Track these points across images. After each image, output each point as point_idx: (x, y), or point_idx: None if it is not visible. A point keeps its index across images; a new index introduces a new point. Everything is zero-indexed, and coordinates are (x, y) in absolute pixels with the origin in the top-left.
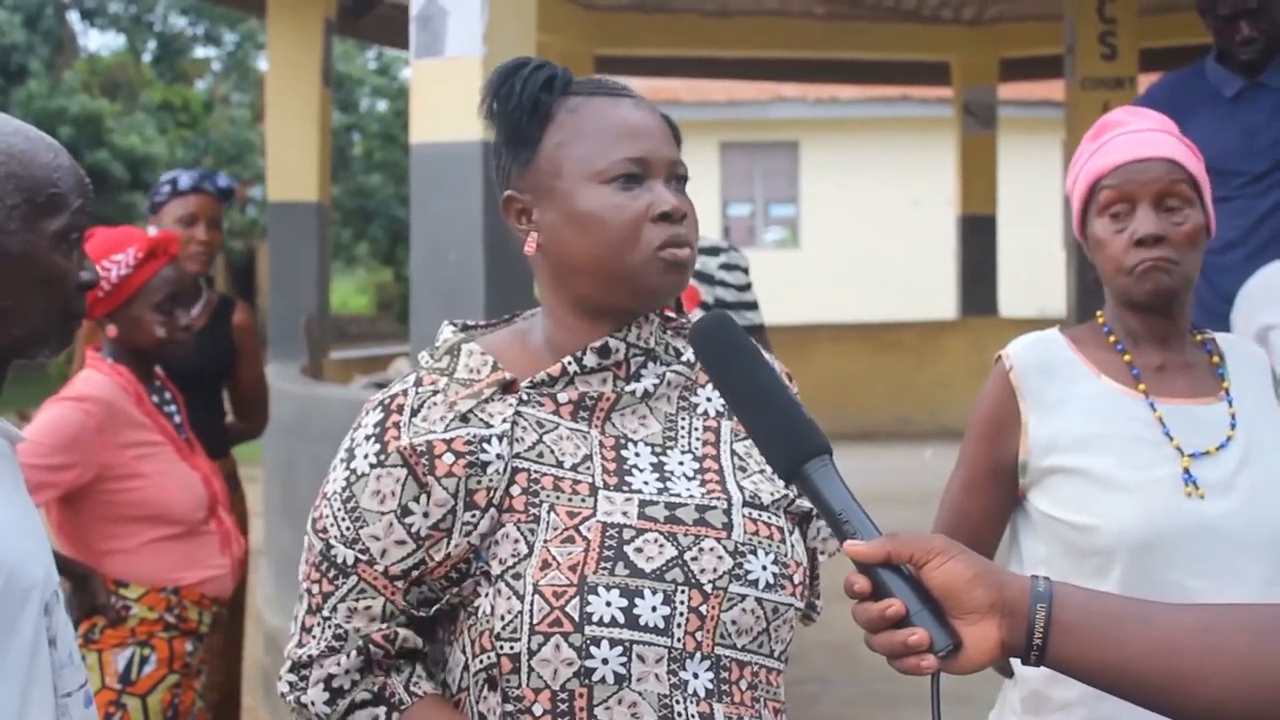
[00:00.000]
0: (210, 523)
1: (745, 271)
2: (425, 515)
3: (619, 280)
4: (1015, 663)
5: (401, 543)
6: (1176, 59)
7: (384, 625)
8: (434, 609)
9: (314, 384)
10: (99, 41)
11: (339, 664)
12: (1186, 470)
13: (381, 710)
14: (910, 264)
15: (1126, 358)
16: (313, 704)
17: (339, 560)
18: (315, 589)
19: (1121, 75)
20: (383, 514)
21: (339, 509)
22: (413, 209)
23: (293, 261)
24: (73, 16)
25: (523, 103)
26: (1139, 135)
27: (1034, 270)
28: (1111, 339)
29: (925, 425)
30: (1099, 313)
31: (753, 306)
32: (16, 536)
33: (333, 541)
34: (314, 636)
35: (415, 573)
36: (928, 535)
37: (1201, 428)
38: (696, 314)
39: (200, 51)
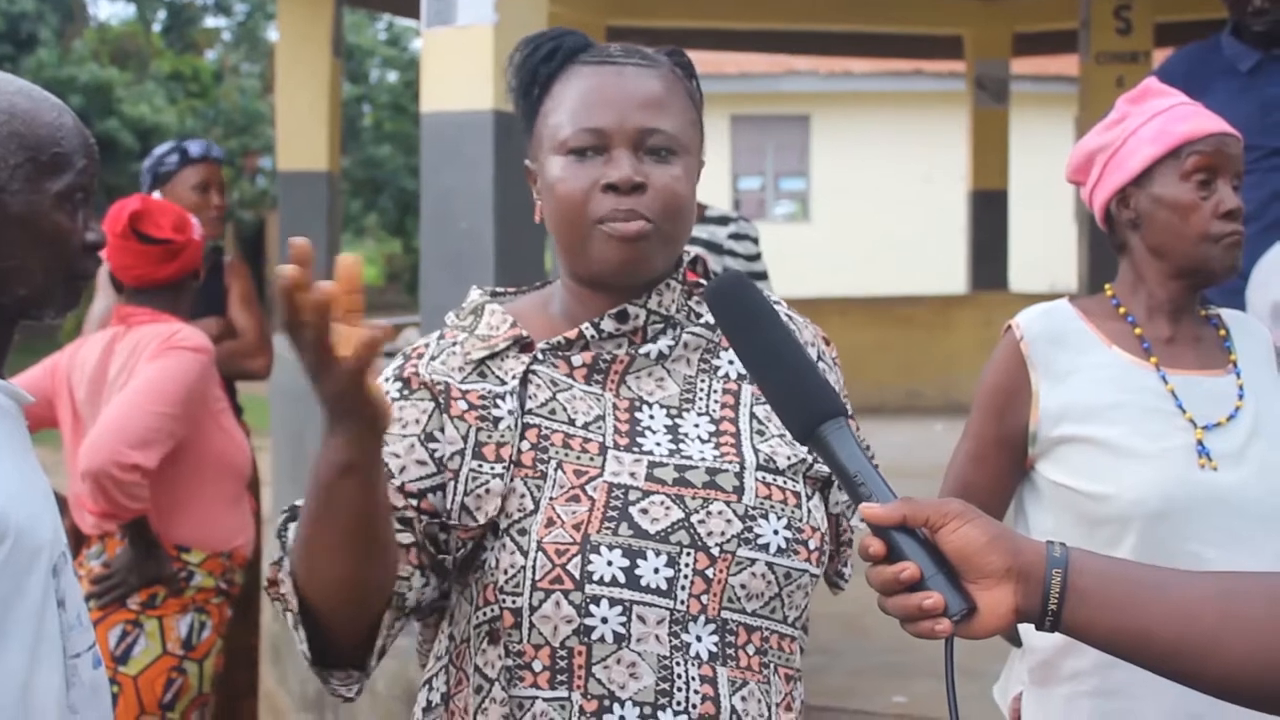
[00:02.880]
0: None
1: (755, 241)
2: (448, 444)
3: (573, 251)
4: (1024, 632)
5: (422, 463)
6: (1192, 33)
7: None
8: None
9: None
10: (109, 10)
11: None
12: (1200, 442)
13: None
14: (921, 238)
15: (1138, 330)
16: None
17: None
18: None
19: (1136, 50)
20: (404, 436)
21: None
22: (423, 179)
23: (303, 231)
24: None
25: (523, 75)
26: (1203, 109)
27: (1045, 245)
28: (1121, 311)
29: (935, 399)
30: (1107, 285)
31: (762, 277)
32: (25, 497)
33: None
34: None
35: (432, 498)
36: (943, 499)
37: (1211, 399)
38: None
39: (210, 21)
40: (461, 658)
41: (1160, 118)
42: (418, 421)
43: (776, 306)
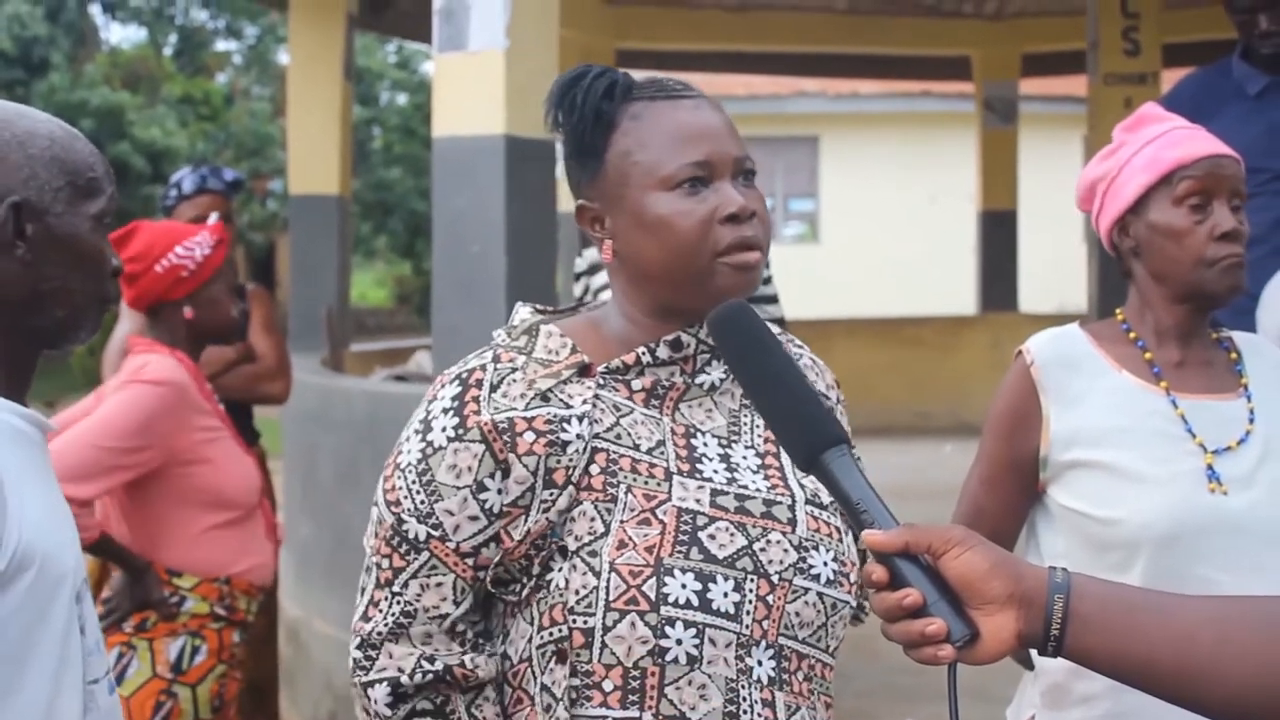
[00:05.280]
0: (258, 509)
1: (766, 266)
2: (500, 492)
3: (690, 283)
4: (1036, 655)
5: (474, 518)
6: (1201, 54)
7: (454, 609)
8: (509, 587)
9: (334, 375)
10: (120, 34)
11: (407, 662)
12: (1210, 466)
13: None
14: (930, 259)
15: (1147, 355)
16: (375, 701)
17: (411, 535)
18: (385, 563)
19: (1144, 71)
20: (458, 489)
21: (413, 481)
22: (435, 202)
23: (313, 254)
24: (94, 9)
25: (585, 114)
26: (1199, 132)
27: (1054, 266)
28: (1131, 335)
29: (944, 420)
30: (1118, 310)
31: (773, 300)
32: (49, 525)
33: (405, 516)
34: (381, 611)
35: (485, 551)
36: (946, 525)
37: (1221, 423)
38: None
39: (221, 45)
40: (520, 677)
41: (1153, 145)
42: (470, 469)
43: (800, 351)
